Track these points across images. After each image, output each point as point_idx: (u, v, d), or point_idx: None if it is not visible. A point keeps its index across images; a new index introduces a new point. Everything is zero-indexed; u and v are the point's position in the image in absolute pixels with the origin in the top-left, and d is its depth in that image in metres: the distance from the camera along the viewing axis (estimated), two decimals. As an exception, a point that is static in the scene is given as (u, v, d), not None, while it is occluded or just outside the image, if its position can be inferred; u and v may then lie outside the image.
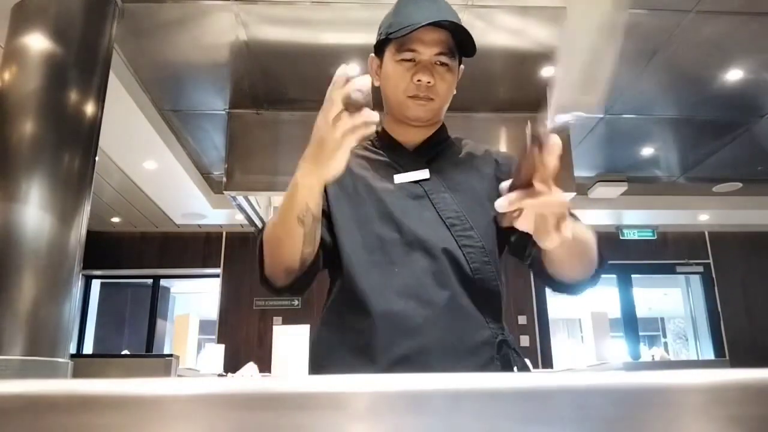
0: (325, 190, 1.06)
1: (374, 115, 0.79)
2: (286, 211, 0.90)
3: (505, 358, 0.99)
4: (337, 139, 0.78)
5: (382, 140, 1.16)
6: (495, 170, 1.11)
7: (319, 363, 1.05)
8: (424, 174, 1.09)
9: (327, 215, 1.05)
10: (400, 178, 1.09)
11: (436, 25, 1.04)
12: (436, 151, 1.14)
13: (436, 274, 0.99)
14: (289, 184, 0.89)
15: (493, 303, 1.03)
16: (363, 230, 1.04)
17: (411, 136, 1.14)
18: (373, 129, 0.79)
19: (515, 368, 1.01)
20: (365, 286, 0.99)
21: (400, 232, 1.02)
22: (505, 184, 0.76)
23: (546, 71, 3.82)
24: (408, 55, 1.06)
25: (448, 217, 1.04)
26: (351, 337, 0.99)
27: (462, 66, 1.16)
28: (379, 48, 1.13)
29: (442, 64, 1.07)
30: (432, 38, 1.06)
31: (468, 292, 1.00)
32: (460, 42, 1.09)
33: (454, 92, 1.14)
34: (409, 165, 1.10)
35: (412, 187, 1.08)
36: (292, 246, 0.93)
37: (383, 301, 0.97)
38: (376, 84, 1.14)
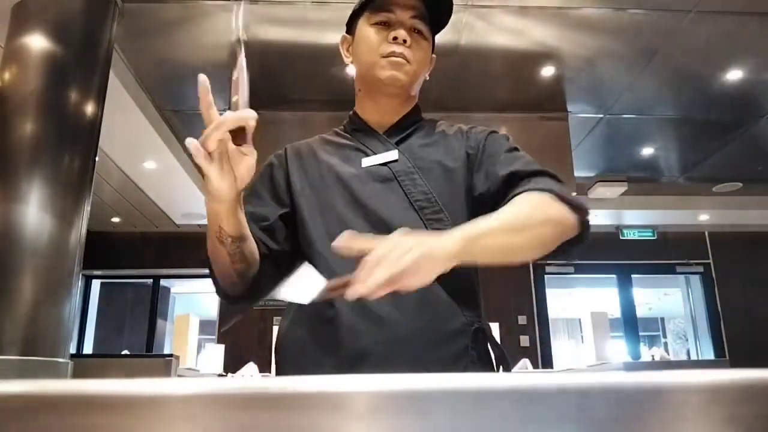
0: (290, 185, 1.07)
1: (245, 113, 0.82)
2: (209, 234, 0.90)
3: (481, 347, 0.95)
4: (206, 162, 0.79)
5: (353, 123, 1.14)
6: (465, 146, 1.07)
7: (283, 356, 1.01)
8: (392, 155, 1.04)
9: (291, 213, 1.04)
10: (367, 161, 1.05)
11: None
12: (407, 132, 1.10)
13: None
14: None
15: (468, 289, 0.98)
16: (327, 217, 1.00)
17: (382, 115, 1.10)
18: (250, 124, 0.82)
19: (493, 358, 0.97)
20: (330, 275, 0.94)
21: (366, 218, 0.98)
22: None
23: (546, 71, 3.83)
24: (383, 16, 1.05)
25: (416, 200, 0.99)
26: (317, 329, 0.95)
27: (434, 55, 1.14)
28: (351, 24, 1.12)
29: (417, 31, 1.06)
30: (407, 2, 1.05)
31: (439, 278, 0.93)
32: (433, 19, 1.08)
33: (427, 75, 1.12)
34: (378, 147, 1.07)
35: (380, 170, 1.04)
36: (223, 264, 0.92)
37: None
38: (348, 61, 1.13)
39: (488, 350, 0.96)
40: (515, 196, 0.92)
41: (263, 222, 1.02)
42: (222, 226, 0.88)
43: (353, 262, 0.93)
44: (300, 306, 1.00)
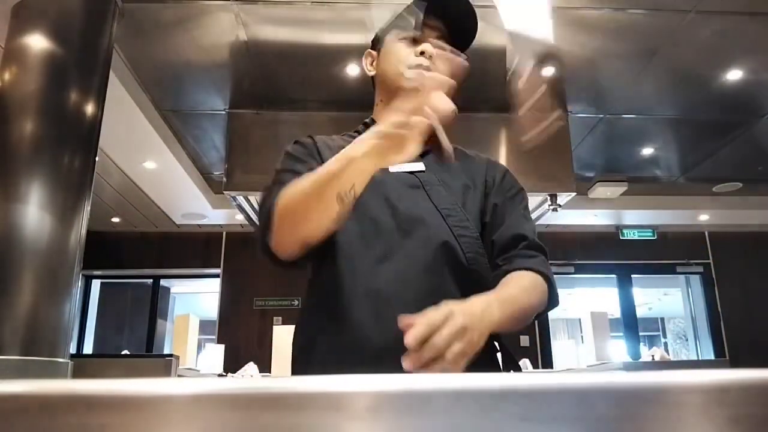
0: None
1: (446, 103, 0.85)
2: (325, 185, 0.86)
3: (490, 348, 0.97)
4: (415, 135, 0.82)
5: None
6: (485, 173, 1.14)
7: (300, 355, 1.02)
8: (419, 165, 1.09)
9: None
10: (395, 167, 1.07)
11: (443, 13, 1.12)
12: (430, 146, 1.13)
13: (429, 261, 0.97)
14: (334, 158, 0.87)
15: (482, 293, 1.02)
16: (357, 212, 0.99)
17: None
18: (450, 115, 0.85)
19: (499, 359, 1.00)
20: (360, 268, 0.97)
21: (396, 217, 1.01)
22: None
23: (546, 71, 3.83)
24: (411, 33, 1.11)
25: (443, 207, 1.03)
26: (330, 330, 0.96)
27: None
28: (376, 41, 1.18)
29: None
30: (435, 24, 1.12)
31: (459, 283, 0.98)
32: (458, 40, 1.15)
33: None
34: None
35: (407, 177, 1.08)
36: (320, 220, 0.88)
37: (376, 287, 0.95)
38: (370, 74, 1.18)
39: (494, 351, 0.99)
40: (520, 269, 1.01)
41: None
42: (356, 185, 0.86)
43: (377, 258, 0.97)
44: (312, 306, 1.02)
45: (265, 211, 0.94)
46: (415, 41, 1.11)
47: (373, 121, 1.17)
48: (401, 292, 0.94)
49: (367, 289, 0.95)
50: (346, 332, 0.94)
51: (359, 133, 1.16)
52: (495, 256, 1.04)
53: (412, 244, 0.99)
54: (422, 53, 1.08)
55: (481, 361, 0.94)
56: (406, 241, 0.99)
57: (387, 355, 0.89)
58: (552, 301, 1.02)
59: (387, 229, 1.00)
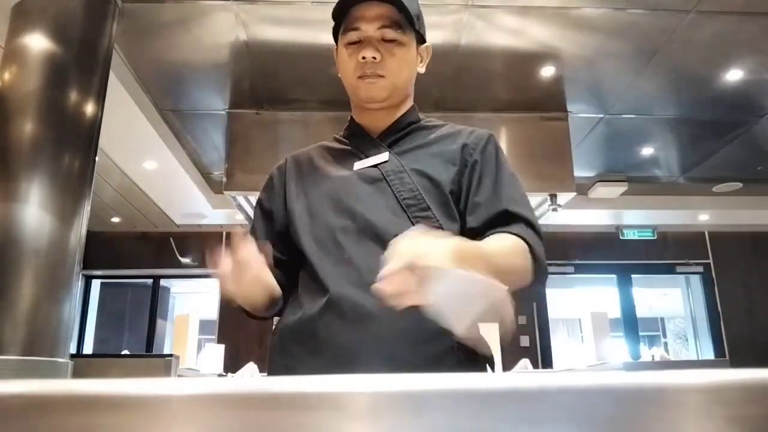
0: (285, 188, 1.12)
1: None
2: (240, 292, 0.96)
3: (465, 345, 0.92)
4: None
5: (350, 129, 1.16)
6: (462, 151, 1.07)
7: (270, 353, 1.04)
8: (383, 157, 1.07)
9: (286, 216, 1.10)
10: (359, 164, 1.07)
11: None
12: (401, 134, 1.12)
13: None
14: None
15: None
16: (315, 220, 1.04)
17: (375, 121, 1.12)
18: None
19: (478, 357, 0.95)
20: (320, 275, 0.98)
21: (353, 220, 1.00)
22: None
23: (546, 71, 3.83)
24: (353, 35, 1.05)
25: (404, 198, 1.01)
26: (301, 326, 0.98)
27: (428, 44, 1.14)
28: (336, 39, 1.13)
29: (389, 40, 1.05)
30: (374, 13, 1.04)
31: None
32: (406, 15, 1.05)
33: (419, 70, 1.12)
34: (371, 150, 1.09)
35: (371, 171, 1.06)
36: (257, 310, 1.02)
37: (336, 291, 0.95)
38: (339, 74, 1.14)
39: (474, 349, 0.94)
40: (502, 232, 0.97)
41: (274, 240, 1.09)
42: (255, 304, 0.99)
43: (337, 261, 0.98)
44: (292, 303, 1.02)
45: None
46: (360, 41, 1.05)
47: (352, 119, 1.16)
48: (363, 297, 0.91)
49: (333, 298, 0.95)
50: (313, 332, 0.96)
51: (343, 134, 1.17)
52: (475, 233, 0.98)
53: (370, 244, 0.97)
54: (364, 58, 1.03)
55: (454, 358, 0.94)
56: (364, 242, 0.98)
57: (351, 354, 0.91)
58: (539, 274, 0.96)
59: (344, 233, 1.00)
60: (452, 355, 0.93)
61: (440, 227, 0.99)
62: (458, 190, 1.04)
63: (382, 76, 1.05)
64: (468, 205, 1.03)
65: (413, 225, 0.96)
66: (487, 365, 1.00)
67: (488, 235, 0.97)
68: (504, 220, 0.99)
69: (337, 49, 1.13)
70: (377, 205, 1.01)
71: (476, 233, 0.99)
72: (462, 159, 1.06)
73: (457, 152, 1.07)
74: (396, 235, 0.87)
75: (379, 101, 1.08)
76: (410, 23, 1.06)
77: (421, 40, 1.11)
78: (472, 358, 0.94)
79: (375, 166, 1.06)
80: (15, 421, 0.31)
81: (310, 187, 1.09)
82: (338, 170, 1.08)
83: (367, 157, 1.08)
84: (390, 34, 1.04)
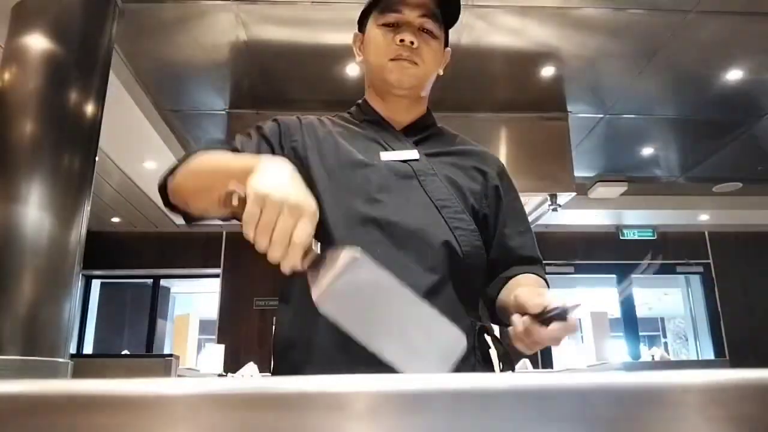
0: (303, 139, 1.05)
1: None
2: (215, 178, 0.87)
3: (483, 346, 0.94)
4: None
5: (365, 113, 1.12)
6: (479, 170, 1.09)
7: (284, 349, 0.96)
8: (413, 154, 1.04)
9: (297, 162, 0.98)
10: (387, 155, 1.03)
11: None
12: (425, 134, 1.11)
13: (423, 257, 0.93)
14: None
15: (476, 289, 1.01)
16: (344, 207, 0.96)
17: (395, 112, 1.10)
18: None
19: (494, 357, 0.95)
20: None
21: (386, 212, 0.96)
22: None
23: (546, 71, 3.83)
24: (392, 17, 1.03)
25: (438, 199, 0.98)
26: (321, 327, 0.88)
27: (449, 49, 1.14)
28: (362, 22, 1.11)
29: (427, 31, 1.04)
30: (416, 1, 1.03)
31: (454, 279, 0.94)
32: (444, 12, 1.07)
33: (440, 72, 1.12)
34: (395, 143, 1.06)
35: (400, 166, 1.02)
36: (206, 207, 0.94)
37: None
38: (359, 60, 1.13)
39: (489, 350, 0.95)
40: (526, 273, 1.04)
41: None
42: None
43: (367, 253, 0.91)
44: (302, 301, 0.97)
45: (163, 177, 1.02)
46: (397, 25, 1.03)
47: (366, 103, 1.13)
48: None
49: None
50: (337, 334, 0.86)
51: (351, 114, 1.14)
52: (499, 267, 1.06)
53: (402, 240, 0.93)
54: (402, 41, 1.01)
55: (474, 359, 0.93)
56: (396, 237, 0.93)
57: (376, 357, 0.88)
58: None
59: (377, 225, 0.94)
60: (471, 358, 0.92)
61: (475, 231, 1.00)
62: (479, 208, 1.05)
63: (415, 63, 1.04)
64: (496, 237, 1.07)
65: (449, 227, 0.97)
66: (503, 363, 0.98)
67: (513, 270, 1.05)
68: (528, 261, 1.08)
69: (362, 33, 1.11)
70: (411, 200, 0.98)
71: (497, 264, 1.06)
72: (483, 180, 1.08)
73: (477, 170, 1.09)
74: (433, 231, 0.94)
75: (406, 87, 1.06)
76: (446, 20, 1.08)
77: (446, 42, 1.12)
78: (488, 357, 0.95)
79: (405, 161, 1.03)
80: (15, 421, 0.31)
81: (333, 167, 1.01)
82: (364, 155, 1.03)
83: (393, 149, 1.05)
84: (429, 24, 1.04)
